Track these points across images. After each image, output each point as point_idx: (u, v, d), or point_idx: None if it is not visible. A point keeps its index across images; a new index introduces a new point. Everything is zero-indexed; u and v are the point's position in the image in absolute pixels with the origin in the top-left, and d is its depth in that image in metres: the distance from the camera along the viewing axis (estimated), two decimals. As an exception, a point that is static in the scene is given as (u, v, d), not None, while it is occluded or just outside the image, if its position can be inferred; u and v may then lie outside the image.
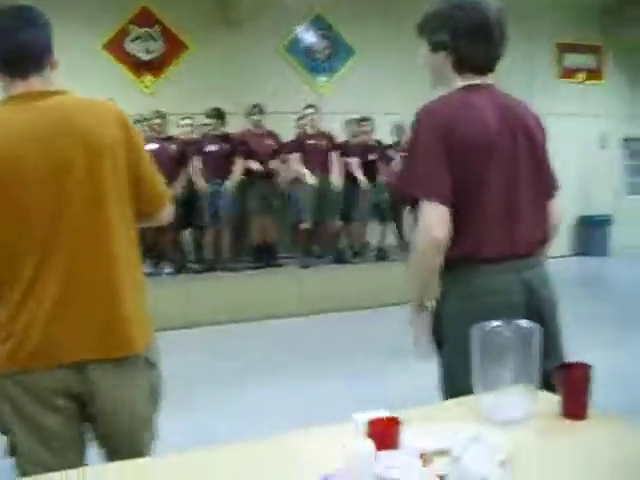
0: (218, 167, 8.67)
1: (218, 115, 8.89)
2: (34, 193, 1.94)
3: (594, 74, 14.24)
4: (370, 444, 1.16)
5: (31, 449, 2.02)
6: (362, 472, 1.10)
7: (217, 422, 4.54)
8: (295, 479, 1.42)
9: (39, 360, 1.96)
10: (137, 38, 10.17)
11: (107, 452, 2.14)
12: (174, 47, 10.41)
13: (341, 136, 9.63)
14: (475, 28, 2.26)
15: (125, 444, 2.10)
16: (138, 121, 8.20)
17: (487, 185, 2.20)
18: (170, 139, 8.69)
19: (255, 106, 9.10)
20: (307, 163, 8.96)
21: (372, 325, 7.92)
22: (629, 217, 13.52)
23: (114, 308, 2.01)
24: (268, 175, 9.01)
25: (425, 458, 1.32)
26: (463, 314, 2.12)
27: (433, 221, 2.14)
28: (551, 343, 1.95)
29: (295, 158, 8.99)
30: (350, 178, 9.31)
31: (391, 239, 9.86)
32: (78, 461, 2.04)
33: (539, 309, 2.22)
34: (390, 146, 9.77)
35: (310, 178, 8.83)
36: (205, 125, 8.92)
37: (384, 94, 11.18)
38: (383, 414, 1.27)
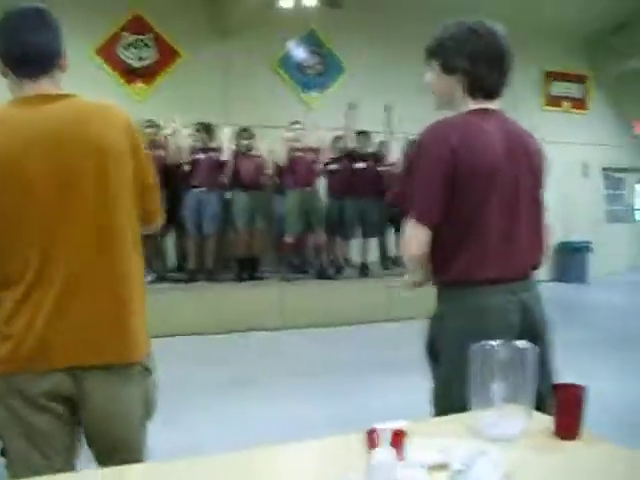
0: (205, 176, 8.67)
1: (206, 130, 8.92)
2: (39, 197, 1.94)
3: (579, 103, 14.46)
4: (394, 453, 1.20)
5: (22, 451, 2.00)
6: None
7: (200, 431, 4.54)
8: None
9: (35, 363, 1.95)
10: (129, 45, 10.18)
11: (99, 457, 2.12)
12: (166, 55, 10.44)
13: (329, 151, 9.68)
14: (491, 54, 2.33)
15: (117, 450, 2.08)
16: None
17: (488, 209, 2.27)
18: (161, 147, 8.66)
19: (245, 130, 9.12)
20: (294, 177, 9.01)
21: (352, 341, 7.96)
22: (607, 244, 13.71)
23: (114, 316, 2.01)
24: (257, 186, 9.03)
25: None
26: (461, 332, 2.17)
27: (413, 240, 2.30)
28: (543, 363, 1.99)
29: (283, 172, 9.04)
30: (335, 194, 9.39)
31: (373, 255, 9.92)
32: (69, 465, 2.04)
33: (533, 329, 2.28)
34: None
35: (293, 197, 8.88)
36: (194, 138, 8.92)
37: (373, 111, 11.25)
38: (402, 424, 1.30)
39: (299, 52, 11.46)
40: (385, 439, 1.23)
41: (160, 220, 2.29)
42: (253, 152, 9.10)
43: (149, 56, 10.34)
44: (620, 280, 13.40)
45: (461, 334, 2.11)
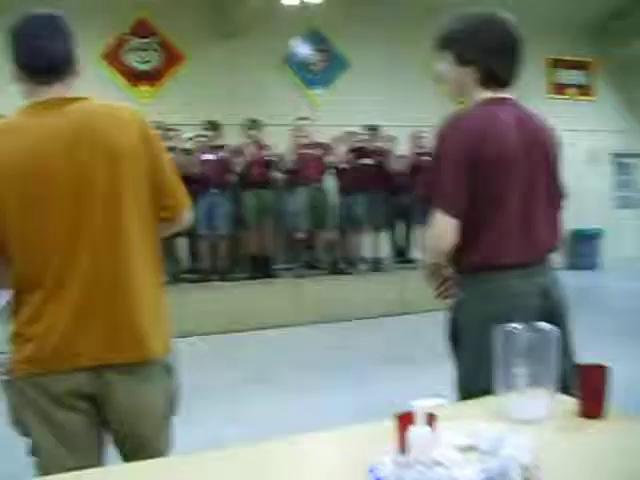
0: (215, 177, 8.70)
1: (214, 127, 8.93)
2: (56, 200, 1.96)
3: (584, 90, 14.41)
4: (430, 431, 1.21)
5: (50, 449, 2.03)
6: (423, 457, 1.14)
7: (220, 429, 4.56)
8: (344, 471, 1.47)
9: (58, 363, 1.98)
10: (135, 49, 10.23)
11: (125, 456, 2.15)
12: (171, 58, 10.49)
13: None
14: (504, 44, 2.37)
15: (142, 448, 2.10)
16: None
17: (506, 197, 2.30)
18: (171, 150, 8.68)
19: (252, 121, 9.13)
20: (302, 173, 9.03)
21: (368, 334, 7.98)
22: (618, 231, 13.68)
23: (133, 314, 2.03)
24: (265, 184, 9.04)
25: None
26: (481, 316, 2.20)
27: (442, 233, 2.29)
28: (564, 345, 2.00)
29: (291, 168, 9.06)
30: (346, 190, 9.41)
31: (385, 250, 9.93)
32: (96, 462, 2.06)
33: (553, 312, 2.30)
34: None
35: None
36: (201, 137, 8.95)
37: (378, 106, 11.28)
38: (440, 402, 1.32)
39: (304, 49, 11.48)
40: (421, 418, 1.24)
41: (188, 214, 2.26)
42: (260, 143, 9.12)
43: (154, 59, 10.39)
44: (632, 266, 13.36)
45: (483, 319, 2.13)
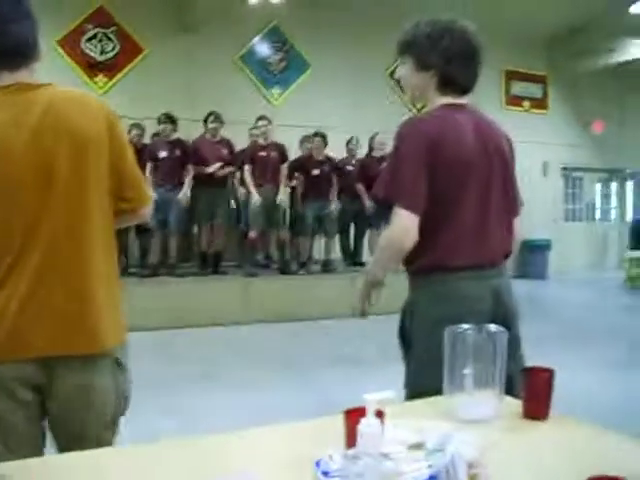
0: (169, 174, 8.64)
1: (170, 120, 8.85)
2: (15, 186, 1.92)
3: (539, 103, 14.68)
4: (380, 424, 1.22)
5: None
6: (371, 449, 1.15)
7: (164, 423, 4.52)
8: (289, 465, 1.47)
9: (7, 353, 1.93)
10: (93, 37, 10.10)
11: (62, 448, 2.07)
12: (129, 49, 10.38)
13: (296, 152, 9.71)
14: (464, 52, 2.41)
15: (83, 443, 2.07)
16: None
17: (462, 199, 2.33)
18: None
19: (212, 113, 9.09)
20: (258, 173, 9.00)
21: (316, 335, 8.01)
22: (565, 242, 13.99)
23: (85, 306, 1.99)
24: (219, 183, 8.99)
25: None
26: (433, 317, 2.22)
27: (403, 229, 2.27)
28: (513, 348, 2.03)
29: (247, 170, 9.01)
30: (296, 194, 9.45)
31: (335, 252, 9.98)
32: (33, 455, 2.02)
33: (504, 316, 2.33)
34: (340, 161, 9.94)
35: (256, 197, 8.86)
36: (157, 132, 8.88)
37: (337, 109, 11.33)
38: (391, 395, 1.33)
39: (263, 48, 11.46)
40: (372, 410, 1.25)
41: (148, 209, 2.23)
42: (219, 137, 9.11)
43: (112, 50, 10.27)
44: (577, 277, 13.68)
45: (434, 320, 2.16)
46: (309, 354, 6.99)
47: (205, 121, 9.10)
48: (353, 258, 10.28)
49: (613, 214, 16.60)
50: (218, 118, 9.05)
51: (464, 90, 2.46)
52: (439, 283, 2.33)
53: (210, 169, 8.80)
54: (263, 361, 6.67)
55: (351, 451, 1.21)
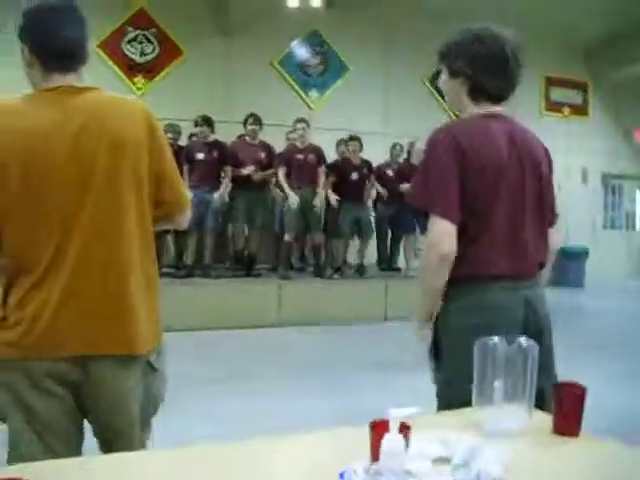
0: (206, 175, 8.67)
1: (208, 123, 8.88)
2: (56, 186, 1.96)
3: (579, 109, 14.51)
4: (403, 440, 1.21)
5: (24, 436, 2.02)
6: (394, 466, 1.14)
7: (194, 429, 4.53)
8: (314, 475, 1.47)
9: (43, 349, 1.97)
10: (133, 39, 10.21)
11: (102, 448, 2.13)
12: (169, 51, 10.48)
13: (332, 155, 9.68)
14: (492, 60, 2.38)
15: (119, 441, 2.09)
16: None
17: (495, 208, 2.30)
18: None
19: (251, 115, 9.09)
20: (295, 176, 9.01)
21: (349, 339, 7.98)
22: (604, 251, 13.79)
23: (122, 306, 2.02)
24: (256, 185, 9.02)
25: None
26: (465, 327, 2.20)
27: (441, 237, 2.25)
28: (544, 361, 2.01)
29: (281, 172, 9.02)
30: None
31: (370, 256, 9.96)
32: (71, 452, 2.04)
33: (537, 327, 2.31)
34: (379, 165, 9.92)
35: (294, 197, 8.87)
36: (194, 133, 8.93)
37: (373, 113, 11.32)
38: (415, 411, 1.32)
39: (302, 51, 11.49)
40: (395, 426, 1.24)
41: (186, 214, 2.27)
42: (257, 140, 9.11)
43: (152, 51, 10.38)
44: (615, 286, 13.47)
45: (465, 330, 2.14)
46: (342, 359, 6.96)
47: (244, 123, 9.10)
48: (389, 263, 10.25)
49: (653, 222, 16.34)
50: (257, 120, 9.05)
51: (498, 98, 2.43)
52: (471, 293, 2.30)
53: (245, 171, 8.81)
54: (296, 365, 6.65)
55: (374, 466, 1.20)
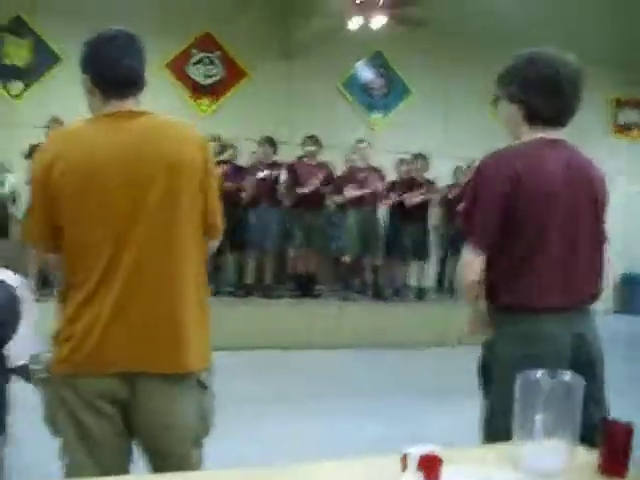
0: (267, 194, 8.75)
1: (270, 143, 8.97)
2: (114, 207, 2.02)
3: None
4: (422, 478, 1.19)
5: (76, 452, 2.06)
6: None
7: (246, 449, 4.54)
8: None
9: (93, 365, 2.01)
10: (198, 62, 10.41)
11: (152, 466, 2.15)
12: (233, 74, 10.62)
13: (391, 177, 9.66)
14: (544, 83, 2.33)
15: (168, 460, 2.11)
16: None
17: (547, 237, 2.27)
18: (225, 163, 8.75)
19: (311, 137, 9.14)
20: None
21: (406, 364, 7.90)
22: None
23: (173, 324, 2.05)
24: (316, 205, 9.04)
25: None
26: (511, 358, 2.17)
27: (466, 264, 2.34)
28: (594, 397, 1.95)
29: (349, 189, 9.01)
30: (396, 216, 9.37)
31: (430, 280, 9.87)
32: (120, 470, 2.06)
33: (588, 358, 2.26)
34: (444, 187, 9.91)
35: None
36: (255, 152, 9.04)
37: (434, 135, 11.26)
38: (433, 450, 1.29)
39: (366, 73, 11.52)
40: (413, 463, 1.22)
41: (218, 240, 2.32)
42: (316, 161, 9.11)
43: (216, 73, 10.54)
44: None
45: (512, 361, 2.10)
46: (398, 383, 6.88)
47: (303, 144, 9.16)
48: (450, 286, 10.13)
49: None
50: (317, 142, 9.09)
51: (555, 123, 2.37)
52: (521, 323, 2.27)
53: (306, 189, 8.84)
54: (353, 388, 6.59)
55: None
